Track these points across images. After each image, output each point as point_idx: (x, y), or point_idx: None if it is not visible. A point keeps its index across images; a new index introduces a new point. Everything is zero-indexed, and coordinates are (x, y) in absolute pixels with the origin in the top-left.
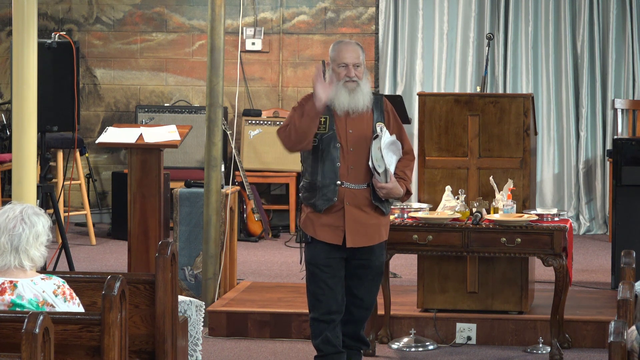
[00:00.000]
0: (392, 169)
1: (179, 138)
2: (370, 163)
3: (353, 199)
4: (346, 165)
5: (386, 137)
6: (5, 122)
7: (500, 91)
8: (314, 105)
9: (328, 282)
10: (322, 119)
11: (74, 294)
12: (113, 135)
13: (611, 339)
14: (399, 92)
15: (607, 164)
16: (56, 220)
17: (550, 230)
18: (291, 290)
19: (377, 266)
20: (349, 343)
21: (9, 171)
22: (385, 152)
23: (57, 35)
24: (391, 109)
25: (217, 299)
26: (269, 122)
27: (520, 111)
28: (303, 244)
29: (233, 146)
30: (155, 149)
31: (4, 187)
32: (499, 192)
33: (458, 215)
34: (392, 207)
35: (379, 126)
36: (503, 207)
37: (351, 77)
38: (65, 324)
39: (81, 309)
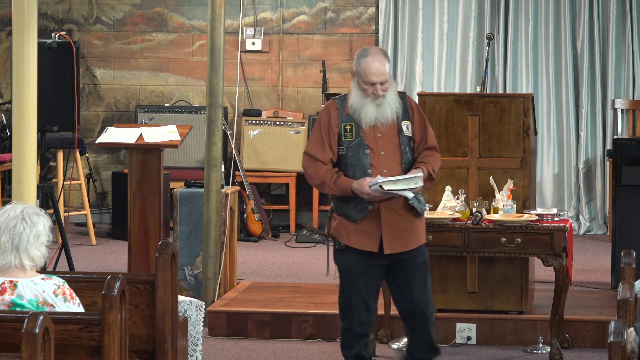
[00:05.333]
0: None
1: (179, 138)
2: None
3: (389, 203)
4: (379, 170)
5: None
6: (5, 122)
7: (500, 91)
8: (350, 191)
9: (361, 291)
10: (348, 126)
11: (74, 294)
12: (113, 135)
13: (611, 339)
14: None
15: (607, 164)
16: (56, 220)
17: (550, 230)
18: (291, 290)
19: (422, 263)
20: (419, 355)
21: (9, 171)
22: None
23: (57, 35)
24: (415, 105)
25: (217, 299)
26: (269, 122)
27: (520, 111)
28: (334, 249)
29: (233, 146)
30: (155, 149)
31: (4, 187)
32: (499, 192)
33: (458, 215)
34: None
35: (405, 124)
36: (503, 207)
37: (378, 95)
38: (65, 324)
39: (81, 309)
